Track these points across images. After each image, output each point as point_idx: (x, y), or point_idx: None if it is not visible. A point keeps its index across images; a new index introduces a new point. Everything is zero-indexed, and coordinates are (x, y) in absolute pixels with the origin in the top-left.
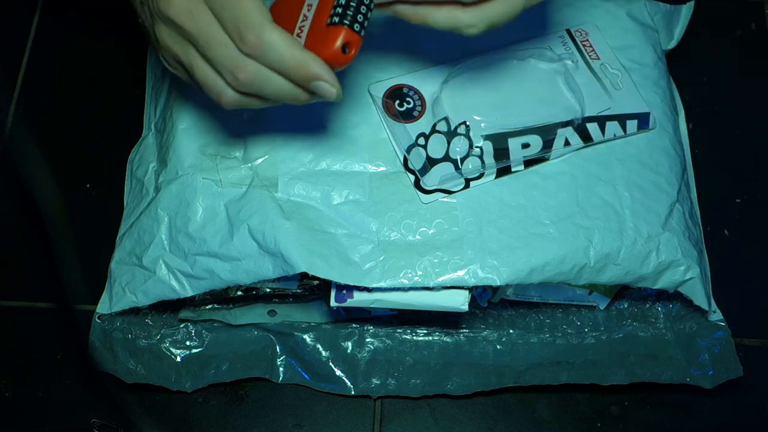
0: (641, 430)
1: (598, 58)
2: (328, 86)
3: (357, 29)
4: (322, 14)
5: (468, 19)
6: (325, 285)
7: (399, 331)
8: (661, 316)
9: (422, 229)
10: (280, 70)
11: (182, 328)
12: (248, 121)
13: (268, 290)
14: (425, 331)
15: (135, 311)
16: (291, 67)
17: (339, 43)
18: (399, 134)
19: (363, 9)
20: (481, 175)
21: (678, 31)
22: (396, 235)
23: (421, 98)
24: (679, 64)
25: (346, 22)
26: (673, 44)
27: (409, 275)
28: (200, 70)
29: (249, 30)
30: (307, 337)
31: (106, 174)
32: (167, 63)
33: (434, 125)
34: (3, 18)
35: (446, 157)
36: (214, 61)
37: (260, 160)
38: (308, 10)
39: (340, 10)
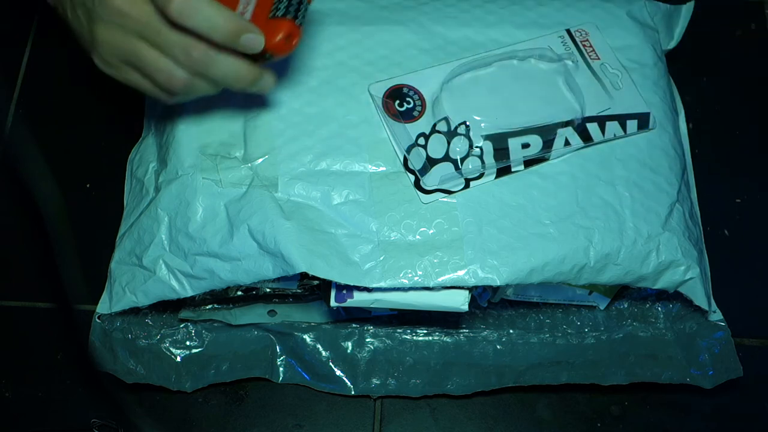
0: (641, 430)
1: (598, 58)
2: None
3: (298, 22)
4: (264, 8)
5: None
6: (325, 285)
7: (399, 331)
8: (661, 316)
9: (422, 229)
10: (208, 30)
11: (182, 328)
12: (248, 120)
13: (268, 290)
14: (425, 331)
15: (135, 311)
16: (219, 24)
17: (283, 34)
18: (399, 134)
19: (304, 3)
20: (481, 175)
21: (678, 31)
22: (396, 235)
23: (421, 98)
24: (679, 64)
25: (289, 15)
26: (673, 44)
27: (409, 275)
28: (150, 55)
29: None
30: (307, 337)
31: (106, 174)
32: (106, 64)
33: (434, 125)
34: (3, 18)
35: (446, 157)
36: (166, 44)
37: (260, 160)
38: (247, 3)
39: (283, 4)
